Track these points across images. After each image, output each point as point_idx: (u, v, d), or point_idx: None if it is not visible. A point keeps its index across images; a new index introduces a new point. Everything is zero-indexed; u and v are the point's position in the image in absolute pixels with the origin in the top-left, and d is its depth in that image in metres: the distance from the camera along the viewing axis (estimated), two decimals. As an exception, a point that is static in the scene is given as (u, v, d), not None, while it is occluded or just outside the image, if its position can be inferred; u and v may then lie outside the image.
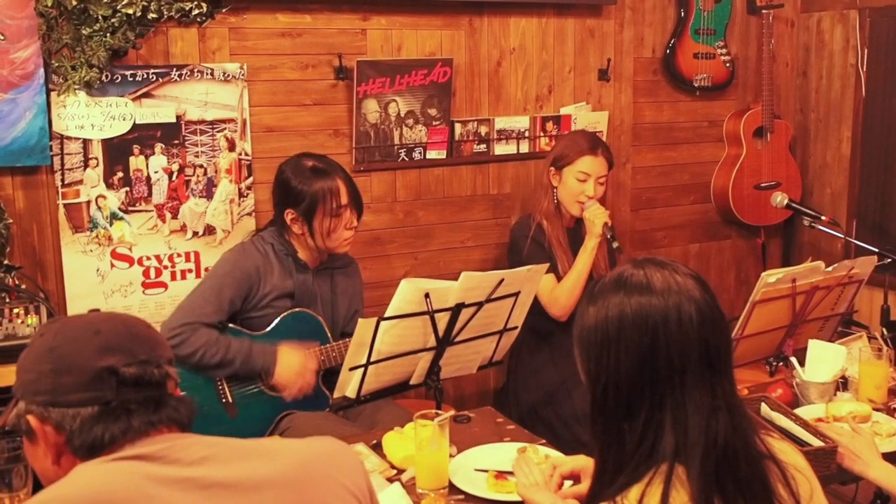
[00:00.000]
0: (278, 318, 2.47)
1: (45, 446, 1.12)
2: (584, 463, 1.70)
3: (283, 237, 2.53)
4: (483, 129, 3.24)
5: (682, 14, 3.54)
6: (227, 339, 2.38)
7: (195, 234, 2.84)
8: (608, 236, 2.85)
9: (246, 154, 2.88)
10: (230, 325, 2.45)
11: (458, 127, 3.19)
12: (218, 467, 1.09)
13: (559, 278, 2.90)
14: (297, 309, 2.49)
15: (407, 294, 2.00)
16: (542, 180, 3.03)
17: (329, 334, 2.52)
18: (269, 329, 2.46)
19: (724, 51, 3.62)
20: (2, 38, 2.47)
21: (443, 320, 2.07)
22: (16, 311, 2.30)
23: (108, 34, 2.56)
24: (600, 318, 1.24)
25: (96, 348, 1.12)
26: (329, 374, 2.47)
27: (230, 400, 2.43)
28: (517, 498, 1.76)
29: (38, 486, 1.72)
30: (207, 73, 2.78)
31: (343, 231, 2.49)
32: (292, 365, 2.39)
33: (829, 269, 2.44)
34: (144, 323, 1.21)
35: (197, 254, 2.84)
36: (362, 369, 2.04)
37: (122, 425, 1.10)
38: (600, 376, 1.24)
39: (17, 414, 1.13)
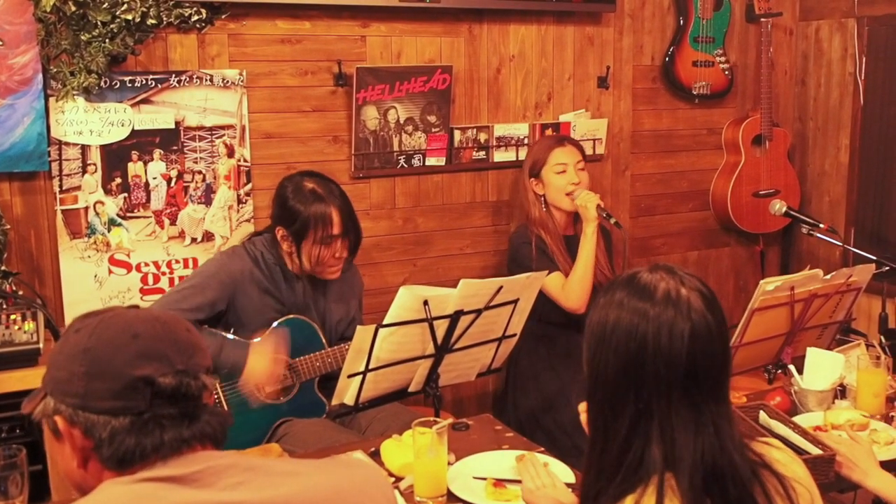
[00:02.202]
0: (273, 325, 2.46)
1: (71, 449, 1.08)
2: None
3: (275, 248, 2.51)
4: (482, 136, 3.24)
5: (681, 22, 3.55)
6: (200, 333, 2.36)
7: (194, 240, 2.84)
8: (604, 215, 2.89)
9: (245, 160, 2.88)
10: (222, 332, 2.44)
11: (457, 134, 3.19)
12: (252, 492, 1.06)
13: None
14: (290, 315, 2.48)
15: (406, 301, 2.00)
16: (527, 196, 3.04)
17: (324, 340, 2.50)
18: (262, 338, 2.44)
19: (722, 59, 3.63)
20: (0, 43, 2.47)
21: (441, 327, 2.06)
22: (13, 317, 2.29)
23: (106, 40, 2.56)
24: (602, 314, 1.26)
25: (133, 354, 1.07)
26: (326, 381, 2.46)
27: (225, 407, 2.42)
28: (515, 506, 1.76)
29: (34, 494, 1.71)
30: (206, 80, 2.78)
31: (330, 259, 2.46)
32: (261, 367, 2.35)
33: (828, 276, 2.44)
34: (184, 325, 1.15)
35: (195, 260, 2.83)
36: (361, 376, 2.03)
37: (154, 440, 1.06)
38: (592, 370, 1.26)
39: (44, 411, 1.10)
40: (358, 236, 2.53)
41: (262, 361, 2.35)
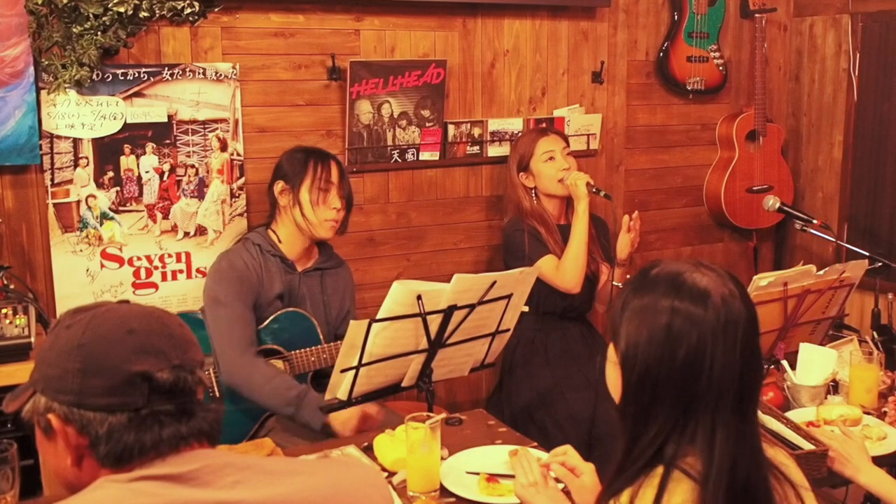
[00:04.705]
0: (270, 318, 2.45)
1: (64, 446, 1.06)
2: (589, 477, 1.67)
3: (269, 238, 2.53)
4: (476, 131, 3.23)
5: (676, 17, 3.55)
6: (286, 382, 2.35)
7: (186, 234, 2.83)
8: (594, 191, 2.91)
9: (238, 154, 2.87)
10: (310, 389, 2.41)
11: (451, 128, 3.18)
12: (250, 491, 1.05)
13: None
14: (289, 309, 2.48)
15: (399, 296, 1.99)
16: (517, 192, 3.04)
17: (321, 335, 2.50)
18: (260, 328, 2.44)
19: (717, 54, 3.63)
20: (-8, 35, 2.45)
21: (435, 322, 2.06)
22: (4, 311, 2.28)
23: (99, 32, 2.54)
24: (647, 315, 1.22)
25: (129, 349, 1.05)
26: (319, 376, 2.46)
27: (217, 394, 2.42)
28: (508, 501, 1.76)
29: (25, 489, 1.70)
30: (199, 73, 2.76)
31: (327, 210, 2.51)
32: (348, 421, 2.31)
33: (821, 272, 2.45)
34: (177, 321, 1.14)
35: (188, 254, 2.82)
36: (354, 371, 2.03)
37: (152, 436, 1.04)
38: (635, 368, 1.22)
39: (35, 409, 1.07)
40: (350, 196, 2.61)
41: (346, 417, 2.31)
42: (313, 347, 2.46)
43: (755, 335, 1.22)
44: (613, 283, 2.98)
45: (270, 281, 2.49)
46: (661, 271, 1.25)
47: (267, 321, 2.46)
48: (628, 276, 3.00)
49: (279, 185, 2.54)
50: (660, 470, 1.18)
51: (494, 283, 2.10)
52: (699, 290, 1.20)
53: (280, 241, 2.54)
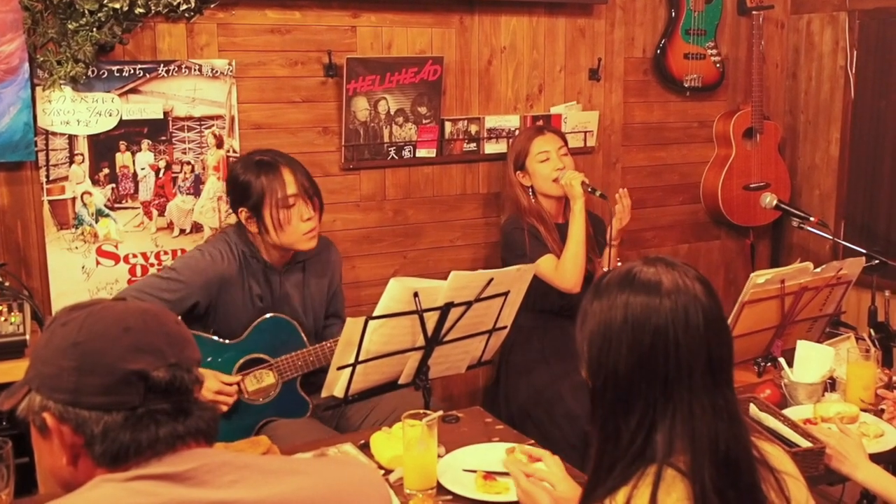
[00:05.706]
0: (252, 326, 2.41)
1: (59, 445, 1.05)
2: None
3: (247, 238, 2.47)
4: (473, 128, 3.23)
5: (673, 14, 3.54)
6: None
7: (182, 231, 2.82)
8: (589, 190, 2.91)
9: (234, 151, 2.86)
10: (202, 333, 2.37)
11: (448, 125, 3.18)
12: (248, 491, 1.05)
13: None
14: (270, 315, 2.43)
15: (396, 293, 1.99)
16: (515, 190, 3.04)
17: (305, 338, 2.46)
18: (244, 336, 2.40)
19: (714, 51, 3.63)
20: (-14, 31, 2.43)
21: (431, 320, 2.05)
22: (-1, 308, 2.27)
23: (94, 29, 2.53)
24: (604, 315, 1.24)
25: (125, 348, 1.04)
26: (308, 377, 2.43)
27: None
28: (505, 498, 1.76)
29: (20, 487, 1.70)
30: (195, 69, 2.75)
31: (299, 224, 2.40)
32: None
33: (818, 270, 2.45)
34: (174, 318, 1.13)
35: (184, 251, 2.80)
36: (350, 368, 2.02)
37: (148, 435, 1.03)
38: (601, 371, 1.24)
39: (30, 407, 1.07)
40: (317, 197, 2.47)
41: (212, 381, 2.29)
42: (299, 351, 2.42)
43: (717, 309, 1.24)
44: (604, 268, 2.98)
45: (249, 279, 2.45)
46: (613, 275, 1.29)
47: (249, 330, 2.41)
48: (619, 262, 3.01)
49: (244, 213, 2.42)
50: (654, 468, 1.18)
51: (491, 280, 2.10)
52: (650, 280, 1.23)
53: (259, 249, 2.49)
